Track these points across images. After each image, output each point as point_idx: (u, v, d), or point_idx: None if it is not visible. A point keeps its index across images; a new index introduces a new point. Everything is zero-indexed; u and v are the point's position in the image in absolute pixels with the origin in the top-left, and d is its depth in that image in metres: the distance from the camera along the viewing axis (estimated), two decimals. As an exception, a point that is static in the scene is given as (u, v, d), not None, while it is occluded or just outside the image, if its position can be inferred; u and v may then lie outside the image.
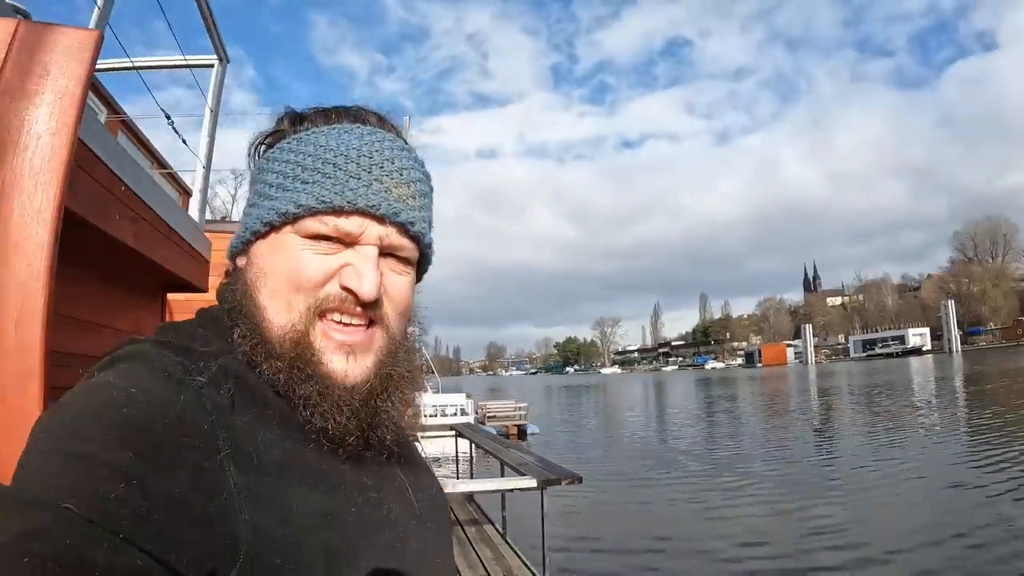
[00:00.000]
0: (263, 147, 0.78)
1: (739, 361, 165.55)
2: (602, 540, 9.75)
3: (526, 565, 6.85)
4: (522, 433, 27.19)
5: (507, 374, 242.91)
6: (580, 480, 6.25)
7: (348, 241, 0.71)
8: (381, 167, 0.72)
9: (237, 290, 0.73)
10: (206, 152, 4.30)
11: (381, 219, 0.71)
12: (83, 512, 0.48)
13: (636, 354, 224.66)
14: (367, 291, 0.69)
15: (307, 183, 0.70)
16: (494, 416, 27.92)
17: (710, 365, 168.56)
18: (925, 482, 12.40)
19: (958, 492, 11.36)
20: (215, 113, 4.20)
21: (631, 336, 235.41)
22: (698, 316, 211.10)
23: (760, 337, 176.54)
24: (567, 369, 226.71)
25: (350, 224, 0.70)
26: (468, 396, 29.23)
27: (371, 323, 0.72)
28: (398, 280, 0.74)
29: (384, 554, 0.67)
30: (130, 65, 3.60)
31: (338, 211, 0.69)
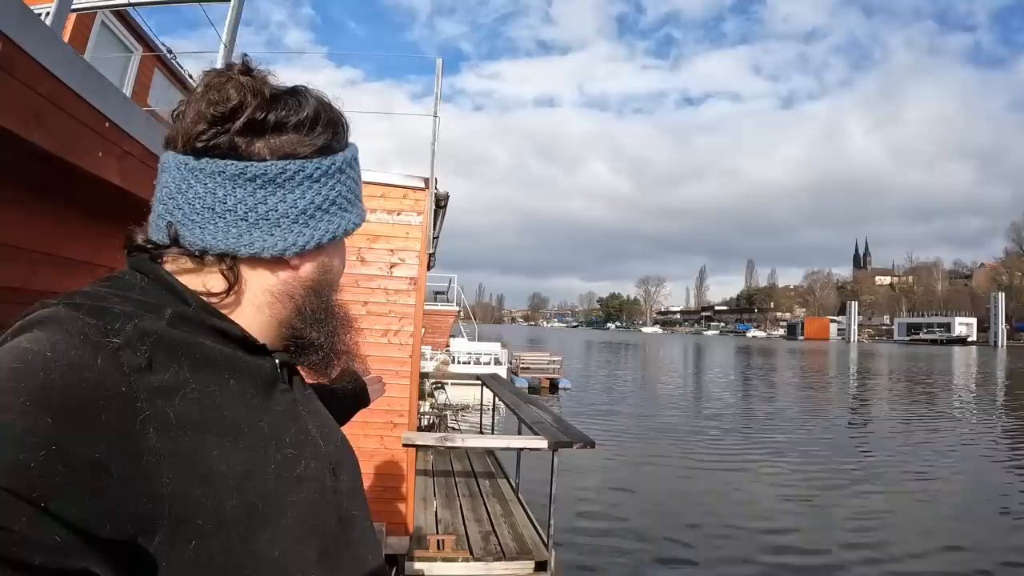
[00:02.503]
0: (334, 142, 0.81)
1: (781, 332, 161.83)
2: (615, 506, 9.68)
3: (533, 525, 6.84)
4: (554, 387, 27.08)
5: (548, 325, 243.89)
6: (593, 445, 6.14)
7: None
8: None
9: (297, 287, 0.79)
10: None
11: None
12: (2, 482, 0.48)
13: (678, 315, 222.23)
14: None
15: (357, 204, 0.86)
16: (528, 367, 27.87)
17: (751, 333, 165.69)
18: (959, 480, 11.97)
19: (990, 493, 10.96)
20: (229, 50, 4.06)
21: (675, 297, 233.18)
22: (743, 282, 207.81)
23: (804, 309, 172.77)
24: (608, 325, 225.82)
25: None
26: (503, 345, 29.28)
27: None
28: None
29: (304, 510, 0.69)
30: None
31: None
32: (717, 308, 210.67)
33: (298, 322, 0.79)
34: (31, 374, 0.54)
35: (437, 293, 26.31)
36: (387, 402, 6.26)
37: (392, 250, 6.45)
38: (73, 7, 3.88)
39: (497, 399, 9.91)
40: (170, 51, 3.30)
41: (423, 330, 10.71)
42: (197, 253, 0.73)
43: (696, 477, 11.79)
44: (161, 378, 0.62)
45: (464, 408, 17.18)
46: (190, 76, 7.80)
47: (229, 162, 0.72)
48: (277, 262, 0.77)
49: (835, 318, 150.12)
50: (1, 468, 0.49)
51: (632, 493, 10.58)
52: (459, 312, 28.01)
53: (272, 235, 0.74)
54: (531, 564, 5.99)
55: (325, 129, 0.78)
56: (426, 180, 6.56)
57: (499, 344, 28.75)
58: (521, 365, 27.86)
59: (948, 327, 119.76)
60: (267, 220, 0.74)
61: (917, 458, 13.85)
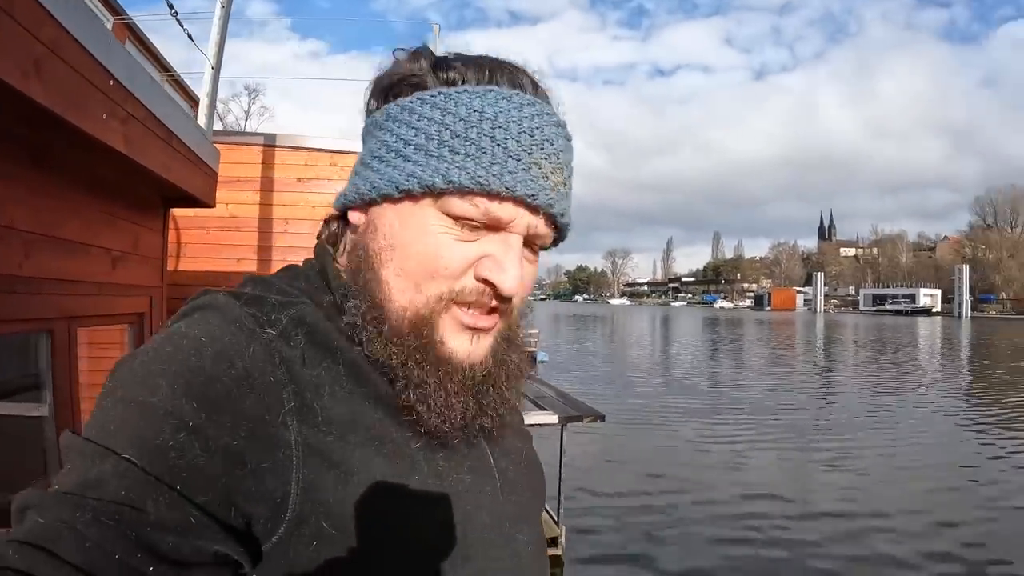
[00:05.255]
0: (393, 91, 0.67)
1: (748, 303, 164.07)
2: (612, 476, 9.68)
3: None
4: (531, 360, 27.17)
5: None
6: (603, 418, 6.06)
7: (493, 227, 0.63)
8: (541, 148, 0.63)
9: (357, 255, 0.68)
10: (215, 52, 3.86)
11: (535, 209, 0.63)
12: (142, 463, 0.49)
13: (646, 287, 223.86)
14: (508, 286, 0.63)
15: (458, 154, 0.61)
16: (504, 342, 27.92)
17: (719, 304, 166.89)
18: (931, 450, 12.19)
19: (955, 458, 11.18)
20: (227, 9, 3.73)
21: (642, 269, 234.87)
22: (710, 254, 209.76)
23: (771, 281, 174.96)
24: (576, 297, 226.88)
25: (502, 211, 0.62)
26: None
27: (493, 310, 0.66)
28: (530, 269, 0.68)
29: (441, 529, 0.63)
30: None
31: (492, 195, 0.61)
32: (684, 280, 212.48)
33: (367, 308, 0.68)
34: (183, 358, 0.54)
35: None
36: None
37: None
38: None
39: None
40: (172, 6, 3.00)
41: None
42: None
43: (678, 446, 11.86)
44: (312, 372, 0.60)
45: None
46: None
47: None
48: (351, 223, 0.71)
49: (801, 289, 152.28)
50: (143, 448, 0.49)
51: (615, 462, 10.62)
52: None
53: (347, 186, 0.71)
54: (542, 540, 5.91)
55: (418, 73, 0.66)
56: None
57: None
58: (497, 340, 27.83)
59: (913, 298, 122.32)
60: (353, 172, 0.71)
61: (888, 427, 14.08)
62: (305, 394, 0.58)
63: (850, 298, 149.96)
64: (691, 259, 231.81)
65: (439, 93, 0.63)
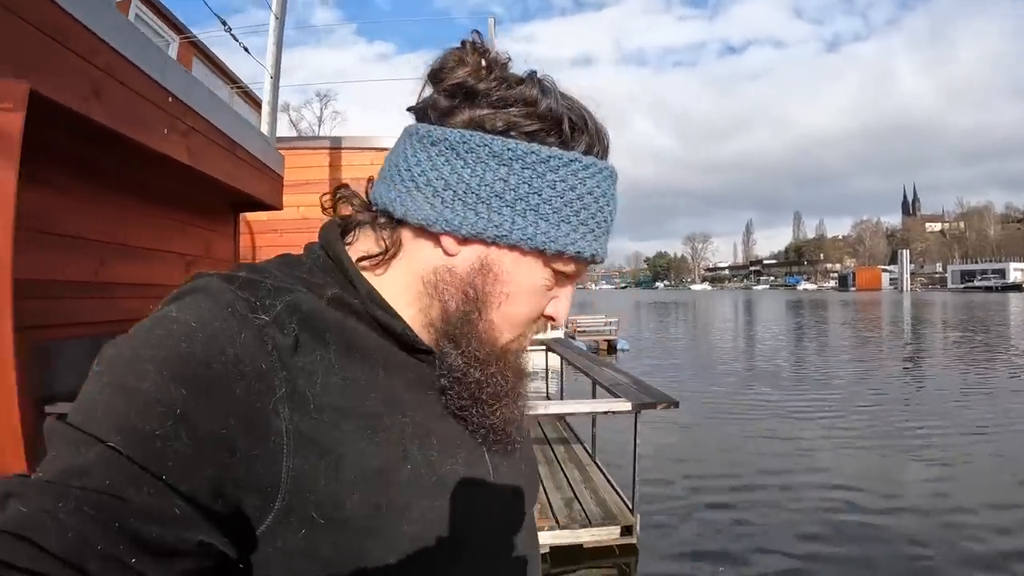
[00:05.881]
0: (498, 115, 0.67)
1: (832, 283, 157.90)
2: (688, 465, 9.43)
3: (615, 489, 6.70)
4: (612, 348, 26.85)
5: (596, 287, 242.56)
6: (677, 405, 5.92)
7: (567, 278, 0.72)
8: (613, 217, 0.72)
9: (464, 292, 0.68)
10: (273, 62, 4.02)
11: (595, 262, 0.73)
12: (127, 451, 0.48)
13: (727, 271, 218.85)
14: (562, 320, 0.75)
15: (578, 227, 0.68)
16: (584, 331, 27.66)
17: (802, 286, 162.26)
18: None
19: None
20: (281, 20, 3.88)
21: (722, 253, 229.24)
22: (791, 235, 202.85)
23: (854, 260, 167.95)
24: (657, 284, 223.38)
25: (583, 269, 0.72)
26: (558, 310, 29.16)
27: None
28: None
29: (439, 518, 0.63)
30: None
31: (587, 260, 0.70)
32: (766, 262, 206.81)
33: (440, 330, 0.70)
34: (172, 343, 0.53)
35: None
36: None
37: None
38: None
39: (565, 363, 9.71)
40: (225, 22, 3.17)
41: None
42: (372, 209, 0.71)
43: (759, 433, 11.37)
44: (305, 359, 0.59)
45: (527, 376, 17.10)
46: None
47: (423, 125, 0.68)
48: (433, 241, 0.68)
49: (886, 268, 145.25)
50: (129, 436, 0.49)
51: (693, 450, 10.30)
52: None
53: (430, 204, 0.66)
54: (617, 529, 5.86)
55: (540, 117, 0.66)
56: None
57: (554, 309, 28.51)
58: (577, 329, 27.66)
59: (1003, 273, 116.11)
60: (432, 187, 0.67)
61: (983, 413, 13.11)
62: (297, 381, 0.58)
63: (937, 275, 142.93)
64: (772, 241, 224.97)
65: (573, 163, 0.67)
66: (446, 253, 0.68)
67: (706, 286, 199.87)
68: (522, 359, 0.74)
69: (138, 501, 0.48)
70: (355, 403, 0.61)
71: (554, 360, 11.95)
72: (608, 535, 5.86)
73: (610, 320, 28.37)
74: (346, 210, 0.73)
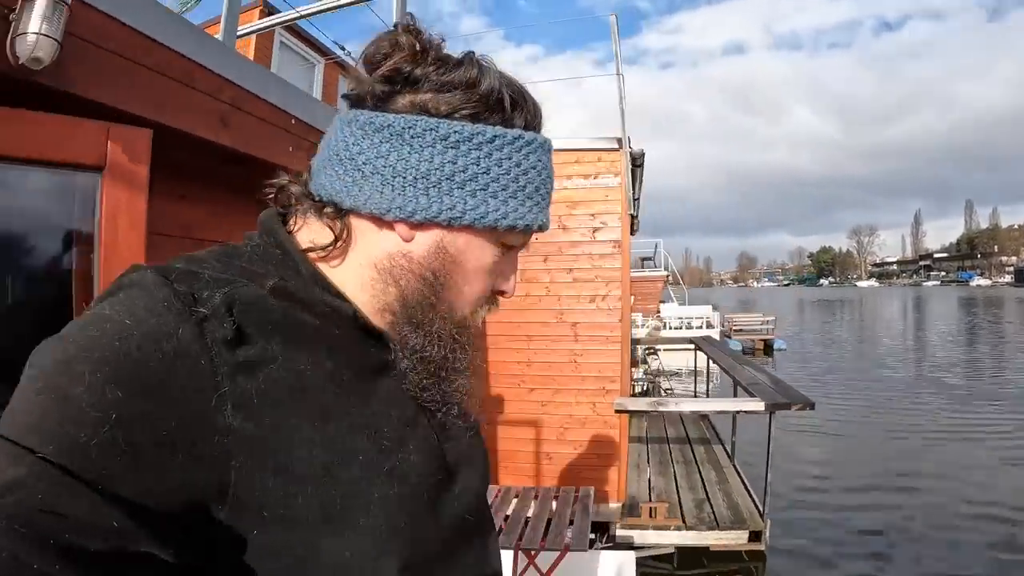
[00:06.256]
0: (435, 93, 0.67)
1: (1008, 278, 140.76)
2: (832, 474, 8.79)
3: (748, 493, 6.49)
4: (768, 348, 25.66)
5: (758, 285, 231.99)
6: (812, 406, 5.64)
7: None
8: (552, 186, 0.75)
9: (423, 277, 0.69)
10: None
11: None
12: (61, 462, 0.46)
13: (895, 266, 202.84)
14: (512, 294, 0.77)
15: (524, 201, 0.70)
16: (740, 329, 26.64)
17: (975, 282, 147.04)
18: None
19: None
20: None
21: (889, 247, 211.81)
22: (963, 225, 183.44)
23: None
24: (821, 281, 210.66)
25: (527, 240, 0.75)
26: (714, 308, 28.22)
27: None
28: None
29: (393, 509, 0.62)
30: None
31: (534, 231, 0.73)
32: (936, 256, 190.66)
33: (399, 313, 0.70)
34: (106, 343, 0.51)
35: (644, 259, 25.91)
36: (598, 368, 6.27)
37: (593, 214, 6.37)
38: (245, 29, 4.25)
39: (711, 362, 9.51)
40: (348, 52, 3.51)
41: (632, 298, 10.55)
42: (316, 199, 0.70)
43: (918, 445, 10.29)
44: (247, 353, 0.57)
45: (676, 374, 16.79)
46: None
47: (362, 111, 0.67)
48: (385, 228, 0.68)
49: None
50: (60, 445, 0.46)
51: (849, 460, 9.51)
52: (667, 277, 27.33)
53: (380, 192, 0.66)
54: (745, 534, 5.69)
55: (482, 98, 0.67)
56: (619, 140, 6.36)
57: (710, 307, 27.56)
58: (733, 327, 26.70)
59: None
60: (380, 175, 0.66)
61: None
62: (238, 376, 0.56)
63: None
64: (943, 232, 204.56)
65: (518, 141, 0.69)
66: (400, 239, 0.68)
67: (873, 282, 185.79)
68: (472, 335, 0.74)
69: (74, 514, 0.45)
70: (302, 396, 0.59)
71: (703, 359, 11.66)
72: (735, 540, 5.71)
73: (767, 319, 27.10)
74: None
